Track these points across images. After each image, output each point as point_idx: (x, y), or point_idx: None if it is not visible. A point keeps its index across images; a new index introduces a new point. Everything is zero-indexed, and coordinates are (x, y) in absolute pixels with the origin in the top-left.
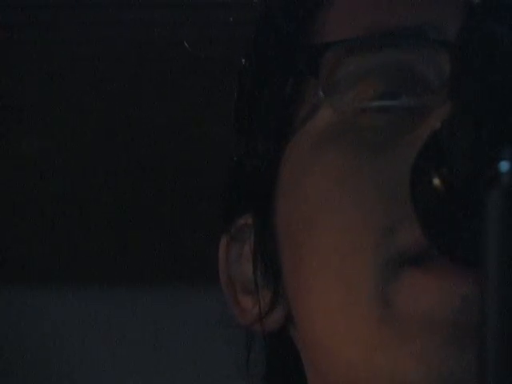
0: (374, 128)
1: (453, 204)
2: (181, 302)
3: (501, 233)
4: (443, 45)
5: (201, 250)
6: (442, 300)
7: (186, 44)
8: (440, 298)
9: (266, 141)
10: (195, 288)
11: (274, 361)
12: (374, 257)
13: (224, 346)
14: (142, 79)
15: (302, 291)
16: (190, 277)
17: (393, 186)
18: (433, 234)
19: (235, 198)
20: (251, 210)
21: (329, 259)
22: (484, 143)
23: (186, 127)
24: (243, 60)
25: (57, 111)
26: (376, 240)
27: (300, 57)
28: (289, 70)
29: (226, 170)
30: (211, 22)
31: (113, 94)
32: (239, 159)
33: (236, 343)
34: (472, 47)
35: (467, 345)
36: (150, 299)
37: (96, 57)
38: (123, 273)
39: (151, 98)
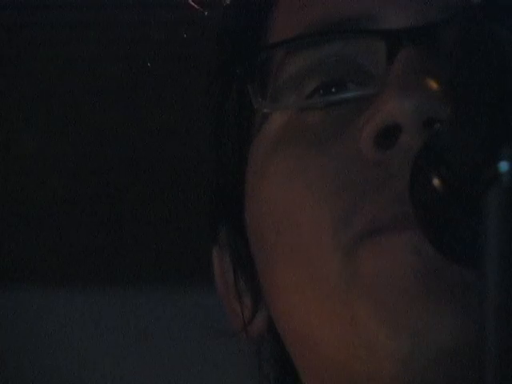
0: (320, 123)
1: (453, 204)
2: (183, 301)
3: (500, 232)
4: (378, 34)
5: (200, 250)
6: (404, 260)
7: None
8: (401, 258)
9: (228, 150)
10: (197, 287)
11: (273, 361)
12: (335, 243)
13: (227, 344)
14: (142, 79)
15: (274, 290)
16: (192, 276)
17: (340, 175)
18: (432, 233)
19: (214, 208)
20: (227, 217)
21: (293, 253)
22: (484, 143)
23: (185, 127)
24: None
25: (57, 111)
26: (334, 227)
27: (244, 66)
28: (237, 79)
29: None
30: (211, 21)
31: (112, 93)
32: (213, 171)
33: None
34: (472, 47)
35: (435, 303)
36: (151, 298)
37: (96, 57)
38: (123, 272)
39: (151, 97)
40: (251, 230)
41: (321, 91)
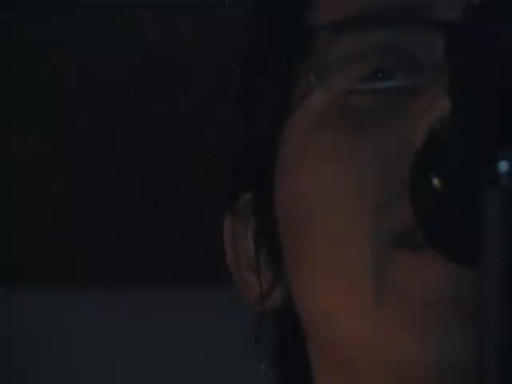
0: (366, 108)
1: (452, 204)
2: (185, 302)
3: (500, 232)
4: (434, 25)
5: (202, 251)
6: (437, 285)
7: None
8: (435, 283)
9: (264, 119)
10: (197, 288)
11: (280, 338)
12: (371, 233)
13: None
14: (142, 79)
15: (302, 270)
16: (191, 277)
17: (386, 164)
18: (433, 233)
19: (238, 175)
20: (252, 187)
21: (327, 238)
22: (484, 143)
23: (185, 127)
24: (246, 44)
25: (57, 111)
26: (372, 216)
27: (291, 42)
28: (282, 55)
29: (223, 170)
30: (211, 22)
31: (112, 93)
32: (244, 138)
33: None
34: (472, 47)
35: (461, 325)
36: (151, 300)
37: (96, 57)
38: (126, 274)
39: (151, 97)
40: (282, 203)
41: (369, 76)
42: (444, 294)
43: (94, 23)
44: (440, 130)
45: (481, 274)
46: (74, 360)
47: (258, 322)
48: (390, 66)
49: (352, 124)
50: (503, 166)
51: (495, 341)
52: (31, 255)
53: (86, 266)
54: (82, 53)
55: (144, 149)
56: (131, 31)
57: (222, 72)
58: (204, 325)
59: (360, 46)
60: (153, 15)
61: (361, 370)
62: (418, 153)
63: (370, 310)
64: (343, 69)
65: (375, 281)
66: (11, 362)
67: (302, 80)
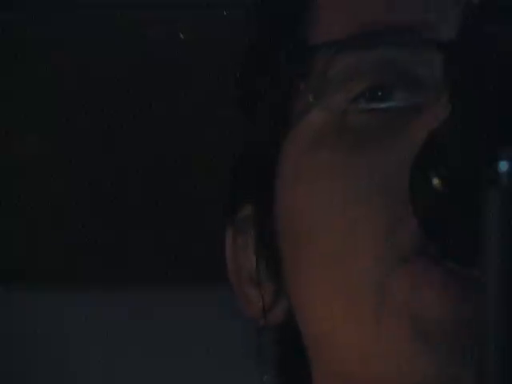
0: (365, 126)
1: (452, 204)
2: (185, 302)
3: (500, 232)
4: (436, 44)
5: (202, 251)
6: (437, 302)
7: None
8: (434, 299)
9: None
10: (197, 288)
11: (281, 352)
12: (376, 256)
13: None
14: (142, 79)
15: (300, 279)
16: (191, 277)
17: (386, 183)
18: (432, 234)
19: (237, 188)
20: (252, 200)
21: (324, 254)
22: (483, 143)
23: (185, 127)
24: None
25: (57, 111)
26: (378, 239)
27: (289, 61)
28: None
29: (223, 170)
30: (211, 22)
31: (112, 93)
32: (243, 148)
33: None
34: (471, 47)
35: (461, 338)
36: (151, 300)
37: (96, 57)
38: (124, 273)
39: (151, 97)
40: (283, 217)
41: (367, 94)
42: (443, 310)
43: (94, 23)
44: (440, 129)
45: (481, 274)
46: (74, 360)
47: (257, 333)
48: (390, 82)
49: (348, 141)
50: (503, 165)
51: (495, 341)
52: (31, 255)
53: (86, 266)
54: (82, 53)
55: (144, 149)
56: (131, 31)
57: (221, 72)
58: (204, 325)
59: (358, 63)
60: (153, 15)
61: (359, 380)
62: (418, 152)
63: (369, 320)
64: (341, 87)
65: (375, 297)
66: (11, 362)
67: (301, 96)
